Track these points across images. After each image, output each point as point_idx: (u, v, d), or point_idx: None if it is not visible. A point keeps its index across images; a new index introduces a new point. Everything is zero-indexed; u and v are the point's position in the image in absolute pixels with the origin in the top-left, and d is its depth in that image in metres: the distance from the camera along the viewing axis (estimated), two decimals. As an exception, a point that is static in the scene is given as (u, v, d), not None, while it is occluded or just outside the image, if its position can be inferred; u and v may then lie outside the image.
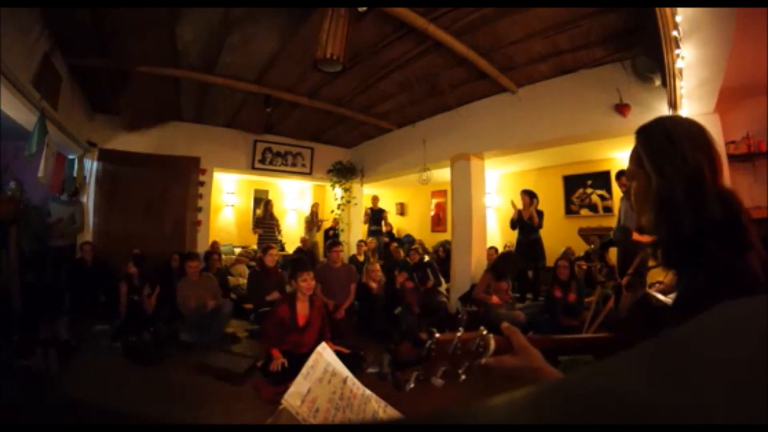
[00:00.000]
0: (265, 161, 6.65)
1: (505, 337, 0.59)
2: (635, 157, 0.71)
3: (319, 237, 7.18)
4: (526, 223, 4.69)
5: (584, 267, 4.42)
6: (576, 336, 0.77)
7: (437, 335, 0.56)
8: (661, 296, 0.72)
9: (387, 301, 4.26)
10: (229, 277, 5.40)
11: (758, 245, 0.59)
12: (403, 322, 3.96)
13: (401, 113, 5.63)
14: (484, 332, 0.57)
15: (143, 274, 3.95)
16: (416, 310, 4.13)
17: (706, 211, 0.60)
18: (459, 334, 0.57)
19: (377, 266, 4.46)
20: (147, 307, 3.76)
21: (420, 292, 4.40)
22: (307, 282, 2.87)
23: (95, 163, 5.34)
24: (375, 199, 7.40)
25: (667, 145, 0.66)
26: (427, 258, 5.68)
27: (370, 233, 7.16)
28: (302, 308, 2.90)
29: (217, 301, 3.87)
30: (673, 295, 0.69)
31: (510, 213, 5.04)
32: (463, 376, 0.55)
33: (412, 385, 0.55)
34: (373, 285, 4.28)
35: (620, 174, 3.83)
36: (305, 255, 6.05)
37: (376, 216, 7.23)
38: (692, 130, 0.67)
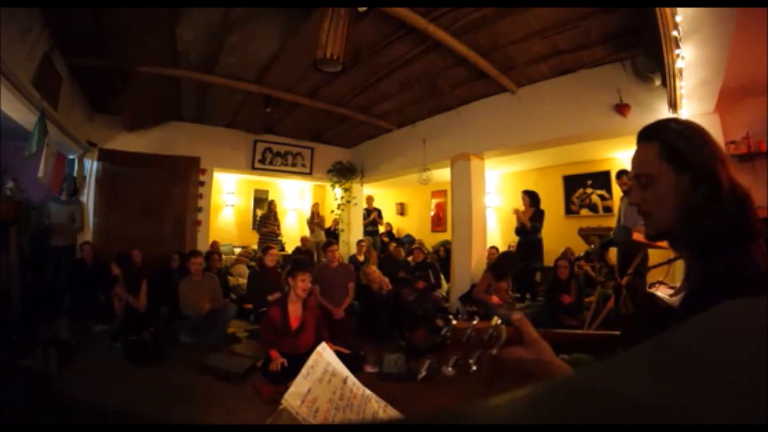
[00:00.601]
0: (265, 161, 6.65)
1: (516, 328, 0.58)
2: (663, 153, 0.67)
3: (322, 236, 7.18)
4: (523, 227, 4.72)
5: (586, 267, 4.42)
6: (579, 332, 0.77)
7: (454, 322, 0.57)
8: (666, 297, 0.72)
9: (388, 300, 4.25)
10: (229, 277, 5.41)
11: (763, 236, 0.60)
12: (420, 309, 3.93)
13: (401, 113, 5.63)
14: (498, 322, 0.57)
15: (131, 274, 3.91)
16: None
17: (742, 193, 0.62)
18: (474, 322, 0.57)
19: (373, 267, 4.46)
20: (136, 306, 3.72)
21: (418, 291, 4.41)
22: (304, 282, 2.82)
23: (95, 163, 5.34)
24: (370, 199, 7.42)
25: (697, 134, 0.66)
26: (429, 259, 5.68)
27: (367, 233, 7.18)
28: (294, 310, 2.83)
29: (219, 303, 3.84)
30: (679, 297, 0.69)
31: (509, 213, 5.06)
32: (473, 367, 0.55)
33: (423, 374, 0.56)
34: (374, 286, 4.27)
35: (620, 174, 3.83)
36: (305, 255, 6.06)
37: (370, 216, 7.25)
38: (701, 128, 0.68)
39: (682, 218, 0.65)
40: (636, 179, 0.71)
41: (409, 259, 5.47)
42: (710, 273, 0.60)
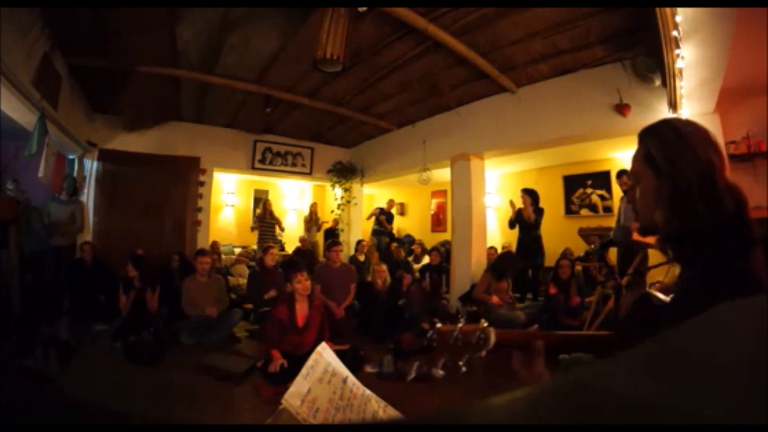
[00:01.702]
0: (265, 161, 6.65)
1: (532, 350, 0.60)
2: (644, 156, 0.70)
3: (320, 237, 7.19)
4: (526, 221, 4.70)
5: (579, 268, 4.42)
6: (577, 333, 0.78)
7: (438, 325, 0.57)
8: (661, 296, 0.72)
9: (390, 300, 4.24)
10: (229, 277, 5.40)
11: (760, 244, 0.60)
12: (407, 312, 3.96)
13: (401, 113, 5.63)
14: (485, 324, 0.57)
15: (144, 275, 3.91)
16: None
17: (721, 204, 0.62)
18: (460, 325, 0.57)
19: (384, 266, 4.46)
20: (151, 308, 3.72)
21: (426, 293, 4.41)
22: (302, 283, 2.87)
23: (95, 163, 5.34)
24: (390, 202, 7.52)
25: (681, 142, 0.67)
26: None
27: (376, 233, 7.16)
28: (301, 308, 2.90)
29: (224, 306, 3.81)
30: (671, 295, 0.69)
31: (509, 212, 5.06)
32: (463, 369, 0.55)
33: (413, 375, 0.56)
34: (378, 284, 4.27)
35: (620, 174, 3.83)
36: (304, 255, 6.06)
37: (388, 218, 7.27)
38: (699, 128, 0.69)
39: (662, 221, 0.67)
40: (629, 176, 0.76)
41: (423, 260, 5.42)
42: (695, 276, 0.61)
